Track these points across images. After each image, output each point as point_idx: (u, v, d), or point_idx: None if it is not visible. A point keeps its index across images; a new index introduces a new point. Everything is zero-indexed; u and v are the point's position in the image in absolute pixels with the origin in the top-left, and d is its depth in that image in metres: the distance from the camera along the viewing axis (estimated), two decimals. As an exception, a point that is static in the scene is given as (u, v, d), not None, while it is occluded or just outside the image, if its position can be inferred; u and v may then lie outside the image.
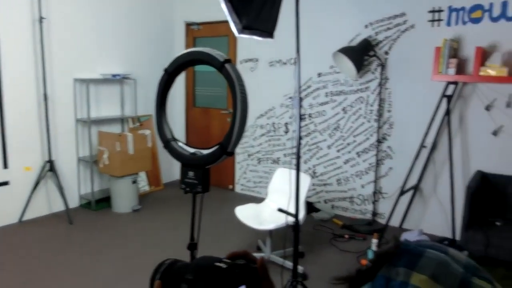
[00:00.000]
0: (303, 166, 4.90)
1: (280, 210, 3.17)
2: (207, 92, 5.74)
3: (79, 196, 4.83)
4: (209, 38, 5.57)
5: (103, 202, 4.80)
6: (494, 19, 3.71)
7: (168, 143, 2.05)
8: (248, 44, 5.07)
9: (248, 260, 0.65)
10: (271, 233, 3.38)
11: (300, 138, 2.41)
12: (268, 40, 2.67)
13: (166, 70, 2.02)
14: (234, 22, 2.29)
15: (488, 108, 3.81)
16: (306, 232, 4.14)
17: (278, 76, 4.96)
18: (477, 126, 3.88)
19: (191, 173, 1.96)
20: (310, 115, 4.80)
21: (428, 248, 0.54)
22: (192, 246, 2.07)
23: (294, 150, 4.76)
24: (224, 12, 2.33)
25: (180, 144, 2.07)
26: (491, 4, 3.70)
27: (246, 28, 2.32)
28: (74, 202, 4.75)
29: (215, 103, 5.62)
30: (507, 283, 3.18)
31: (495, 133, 3.80)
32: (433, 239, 3.49)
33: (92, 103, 4.80)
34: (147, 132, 4.99)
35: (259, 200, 3.78)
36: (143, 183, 5.35)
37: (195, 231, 2.05)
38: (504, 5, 3.64)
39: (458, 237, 3.61)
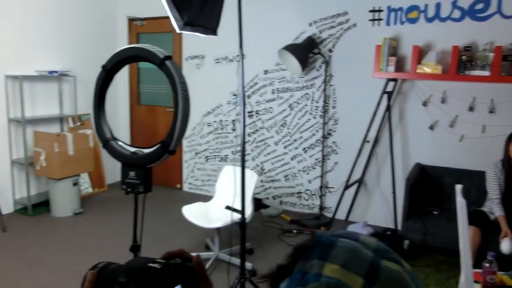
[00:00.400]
0: (251, 163, 4.91)
1: (228, 207, 3.15)
2: (152, 90, 5.58)
3: (14, 201, 4.52)
4: (153, 34, 5.42)
5: (41, 206, 4.53)
6: (429, 20, 3.90)
7: (107, 143, 1.96)
8: (194, 41, 4.99)
9: (184, 259, 0.64)
10: (219, 231, 3.35)
11: (245, 135, 2.39)
12: (213, 37, 2.63)
13: (104, 67, 1.93)
14: (175, 18, 2.23)
15: (425, 103, 4.01)
16: (254, 229, 4.15)
17: (225, 73, 4.93)
18: (415, 121, 4.07)
19: (132, 173, 1.89)
20: (257, 112, 4.81)
21: (340, 237, 0.55)
22: (135, 248, 2.00)
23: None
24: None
25: (120, 143, 1.99)
26: (426, 5, 3.89)
27: (187, 24, 2.27)
28: (7, 208, 4.44)
29: (161, 100, 5.48)
30: (443, 268, 3.37)
31: (431, 127, 4.01)
32: (377, 230, 3.63)
33: (26, 101, 4.50)
34: (89, 131, 4.77)
35: (207, 198, 3.73)
36: (86, 185, 5.12)
37: (138, 233, 1.98)
38: (438, 7, 3.84)
39: (400, 227, 3.77)
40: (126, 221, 4.23)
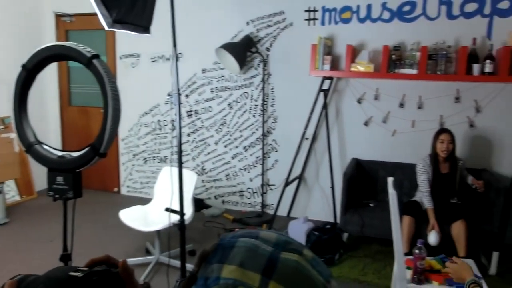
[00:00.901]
0: (191, 164, 4.83)
1: (167, 209, 3.06)
2: (84, 90, 5.30)
3: None
4: (84, 32, 5.15)
5: (-40, 218, 4.14)
6: (361, 20, 4.05)
7: (31, 147, 1.82)
8: (128, 39, 4.80)
9: (110, 265, 0.61)
10: (159, 234, 3.26)
11: (181, 135, 2.33)
12: (146, 35, 2.54)
13: (24, 66, 1.79)
14: (103, 15, 2.11)
15: (359, 101, 4.16)
16: (196, 230, 4.09)
17: (161, 73, 4.80)
18: (351, 117, 4.21)
19: (60, 178, 1.76)
20: (196, 112, 4.74)
21: (240, 237, 0.56)
22: (65, 258, 1.87)
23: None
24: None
25: (46, 147, 1.85)
26: (358, 6, 4.03)
27: (117, 22, 2.16)
28: None
29: (94, 101, 5.22)
30: (380, 257, 3.52)
31: (366, 123, 4.17)
32: (317, 224, 3.71)
33: None
34: (13, 135, 4.43)
35: (147, 201, 3.61)
36: (13, 193, 4.75)
37: (68, 241, 1.86)
38: (369, 8, 4.00)
39: (339, 220, 3.88)
40: (58, 229, 3.98)
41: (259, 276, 0.50)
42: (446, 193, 3.43)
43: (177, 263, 2.87)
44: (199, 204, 4.58)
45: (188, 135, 4.80)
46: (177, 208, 2.44)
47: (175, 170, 2.44)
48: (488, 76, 3.48)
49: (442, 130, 3.46)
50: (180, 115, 2.30)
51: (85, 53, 1.67)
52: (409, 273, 2.23)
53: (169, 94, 4.76)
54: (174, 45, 2.23)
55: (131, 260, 3.27)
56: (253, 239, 0.55)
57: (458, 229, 3.21)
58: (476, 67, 3.49)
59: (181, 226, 2.36)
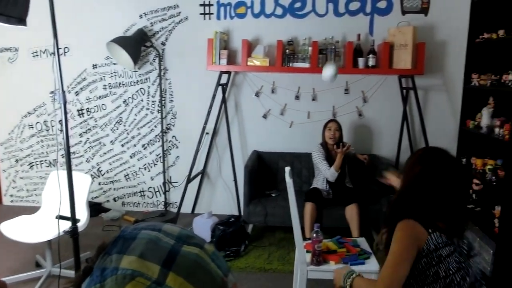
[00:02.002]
0: (86, 166, 4.50)
1: (59, 217, 2.81)
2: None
3: None
4: None
5: None
6: (256, 15, 4.12)
7: None
8: (3, 31, 4.28)
9: None
10: (50, 244, 2.97)
11: (68, 136, 2.14)
12: (22, 27, 2.28)
13: None
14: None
15: (257, 94, 4.25)
16: (94, 235, 3.81)
17: (45, 68, 4.33)
18: (250, 111, 4.29)
19: None
20: (88, 110, 4.42)
21: (142, 229, 0.56)
22: None
23: (71, 149, 4.32)
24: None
25: None
26: (252, 2, 4.10)
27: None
28: None
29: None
30: (284, 244, 3.65)
31: (265, 116, 4.27)
32: (222, 218, 3.71)
33: None
34: None
35: (36, 209, 3.27)
36: None
37: None
38: (263, 3, 4.09)
39: (243, 212, 3.93)
40: None
41: (159, 267, 0.51)
42: (339, 176, 3.67)
43: (72, 273, 2.66)
44: (96, 208, 4.30)
45: (81, 135, 4.46)
46: (69, 215, 2.24)
47: (65, 173, 2.23)
48: (371, 69, 3.80)
49: (330, 120, 3.79)
50: (66, 114, 2.11)
51: None
52: (308, 256, 2.34)
53: (52, 92, 4.35)
54: (55, 36, 2.04)
55: (18, 277, 2.95)
56: (155, 232, 0.55)
57: (351, 212, 3.46)
58: (361, 61, 3.78)
59: (73, 233, 2.17)
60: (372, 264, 2.33)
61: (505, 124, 2.95)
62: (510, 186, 2.74)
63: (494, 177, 3.03)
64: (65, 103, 2.10)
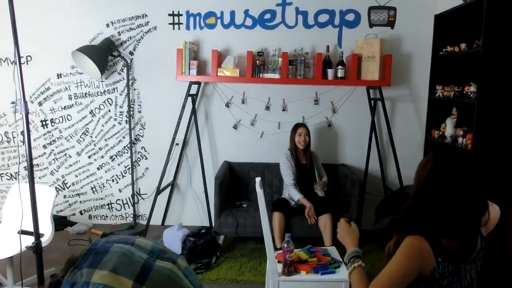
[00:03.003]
0: (50, 178, 4.34)
1: (21, 232, 2.69)
2: None
3: None
4: None
5: None
6: (226, 26, 4.13)
7: None
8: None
9: None
10: (12, 261, 2.84)
11: (31, 147, 2.06)
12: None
13: None
14: None
15: (227, 105, 4.23)
16: (60, 250, 3.68)
17: (5, 77, 4.18)
18: (220, 121, 4.26)
19: None
20: (52, 121, 4.28)
21: (115, 243, 0.55)
22: None
23: (34, 161, 4.17)
24: None
25: None
26: (222, 13, 4.11)
27: None
28: None
29: None
30: (255, 255, 3.62)
31: (235, 126, 4.26)
32: (193, 230, 3.65)
33: None
34: None
35: (-6, 225, 3.12)
36: None
37: None
38: (233, 14, 4.10)
39: (214, 223, 3.88)
40: None
41: (131, 282, 0.50)
42: (309, 183, 3.70)
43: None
44: (61, 222, 4.15)
45: (45, 146, 4.31)
46: (32, 229, 2.14)
47: (26, 187, 2.14)
48: (340, 80, 3.86)
49: (299, 125, 3.82)
50: (28, 125, 2.03)
51: None
52: (280, 267, 2.32)
53: (13, 103, 4.17)
54: (16, 44, 1.96)
55: (-25, 296, 2.80)
56: (128, 245, 0.54)
57: (324, 222, 3.48)
58: (330, 72, 3.84)
59: (37, 248, 2.08)
60: (342, 273, 2.35)
61: (468, 134, 3.05)
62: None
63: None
64: (27, 113, 2.02)
